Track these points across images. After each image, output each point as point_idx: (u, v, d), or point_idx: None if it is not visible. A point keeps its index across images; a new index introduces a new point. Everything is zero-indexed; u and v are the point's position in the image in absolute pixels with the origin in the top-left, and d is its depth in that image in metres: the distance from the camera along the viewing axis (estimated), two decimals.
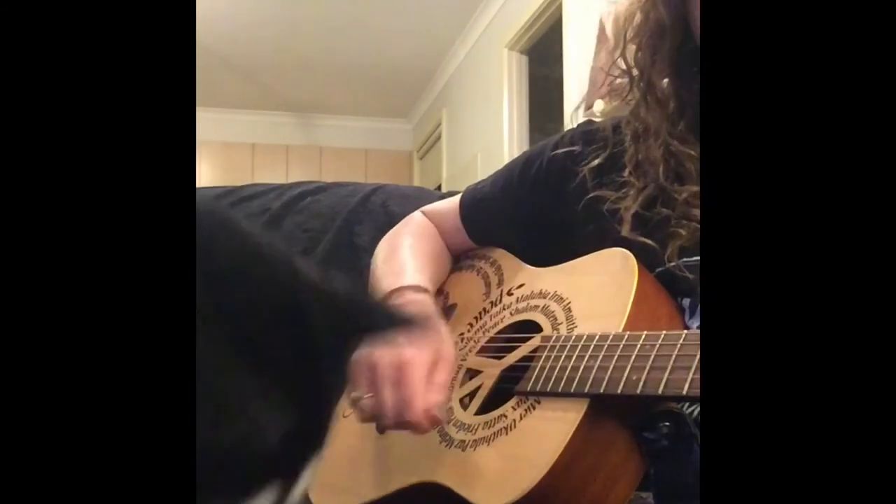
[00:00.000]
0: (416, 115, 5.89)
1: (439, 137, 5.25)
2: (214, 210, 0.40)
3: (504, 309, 0.86)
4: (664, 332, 0.65)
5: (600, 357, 0.67)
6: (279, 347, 0.38)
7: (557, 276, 0.83)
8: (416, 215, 1.03)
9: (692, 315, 0.73)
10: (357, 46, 4.72)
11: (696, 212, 0.74)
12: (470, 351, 0.86)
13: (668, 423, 0.66)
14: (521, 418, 0.72)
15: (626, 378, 0.64)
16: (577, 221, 0.85)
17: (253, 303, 0.38)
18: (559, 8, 3.29)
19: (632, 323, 0.69)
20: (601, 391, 0.66)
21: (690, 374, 0.60)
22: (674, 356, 0.62)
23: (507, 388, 0.76)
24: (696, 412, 0.66)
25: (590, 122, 0.94)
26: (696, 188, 0.76)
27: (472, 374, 0.83)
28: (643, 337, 0.65)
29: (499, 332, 0.84)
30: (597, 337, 0.69)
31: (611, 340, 0.68)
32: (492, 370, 0.80)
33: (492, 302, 0.89)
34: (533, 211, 0.92)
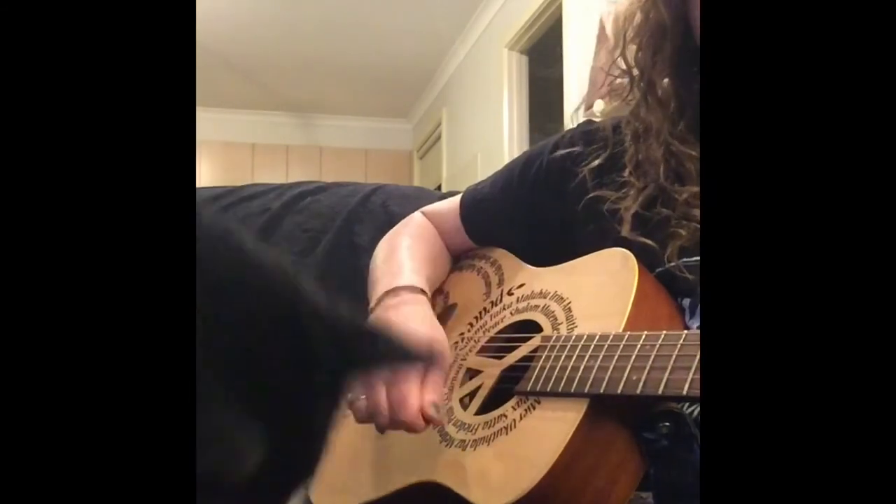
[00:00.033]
0: (416, 115, 5.89)
1: (439, 137, 5.25)
2: (219, 225, 0.40)
3: (504, 309, 0.86)
4: (664, 332, 0.65)
5: (600, 357, 0.67)
6: (270, 371, 0.38)
7: (558, 276, 0.83)
8: (416, 216, 1.03)
9: (692, 315, 0.73)
10: (357, 46, 4.72)
11: (696, 212, 0.74)
12: (470, 351, 0.86)
13: (668, 424, 0.66)
14: (521, 418, 0.72)
15: (626, 378, 0.64)
16: (578, 221, 0.85)
17: (248, 321, 0.37)
18: (559, 8, 3.29)
19: (632, 323, 0.69)
20: (601, 391, 0.66)
21: (690, 375, 0.60)
22: (674, 356, 0.62)
23: (507, 388, 0.76)
24: (695, 412, 0.66)
25: (590, 122, 0.94)
26: (696, 188, 0.76)
27: (473, 373, 0.83)
28: (643, 337, 0.65)
29: (499, 332, 0.84)
30: (597, 337, 0.69)
31: (611, 340, 0.68)
32: (492, 370, 0.80)
33: (492, 302, 0.89)
34: (533, 211, 0.92)
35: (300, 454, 0.40)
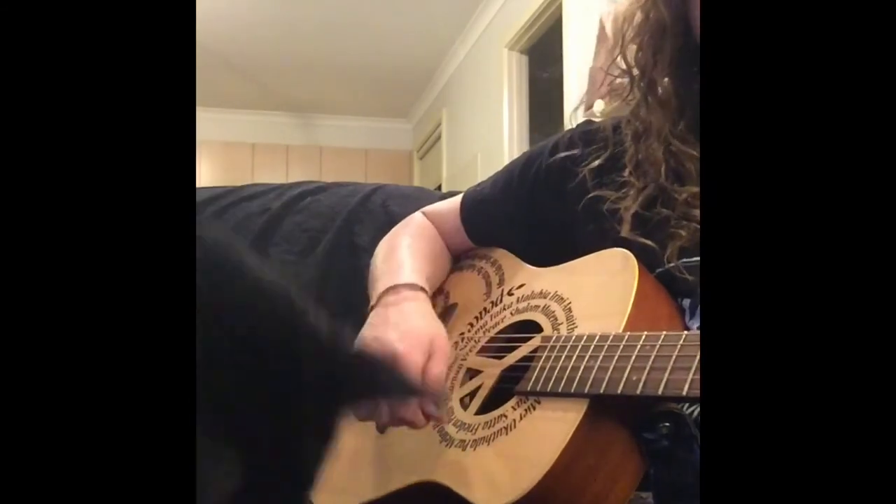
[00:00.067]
0: (416, 115, 5.89)
1: (439, 137, 5.25)
2: (219, 242, 0.39)
3: (504, 309, 0.86)
4: (664, 332, 0.65)
5: (600, 357, 0.67)
6: (259, 397, 0.37)
7: (558, 276, 0.83)
8: (417, 216, 1.03)
9: (692, 316, 0.73)
10: (357, 46, 4.72)
11: (696, 212, 0.74)
12: (470, 351, 0.86)
13: (667, 424, 0.66)
14: (521, 418, 0.72)
15: (626, 378, 0.64)
16: (578, 221, 0.85)
17: (242, 348, 0.37)
18: (559, 8, 3.29)
19: (632, 323, 0.69)
20: (601, 391, 0.66)
21: (690, 375, 0.60)
22: (674, 357, 0.62)
23: (507, 388, 0.76)
24: (695, 413, 0.66)
25: (590, 122, 0.94)
26: (696, 188, 0.76)
27: (473, 373, 0.83)
28: (643, 337, 0.65)
29: (499, 332, 0.84)
30: (597, 337, 0.69)
31: (611, 341, 0.68)
32: (492, 370, 0.80)
33: (492, 302, 0.89)
34: (533, 211, 0.92)
35: (285, 485, 0.39)
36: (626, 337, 0.67)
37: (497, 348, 0.83)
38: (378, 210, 1.31)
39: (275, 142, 5.93)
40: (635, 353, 0.65)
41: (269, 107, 5.76)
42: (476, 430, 0.76)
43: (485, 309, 0.89)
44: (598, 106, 2.25)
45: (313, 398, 0.38)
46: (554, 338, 0.75)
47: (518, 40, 3.83)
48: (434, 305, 0.91)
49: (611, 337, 0.68)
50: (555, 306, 0.79)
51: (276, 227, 1.32)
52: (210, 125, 5.39)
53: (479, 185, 1.00)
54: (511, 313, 0.85)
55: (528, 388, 0.73)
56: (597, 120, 0.96)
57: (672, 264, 0.74)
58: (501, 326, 0.85)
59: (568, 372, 0.69)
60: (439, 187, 4.85)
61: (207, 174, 5.57)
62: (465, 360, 0.85)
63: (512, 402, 0.74)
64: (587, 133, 0.90)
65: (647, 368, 0.63)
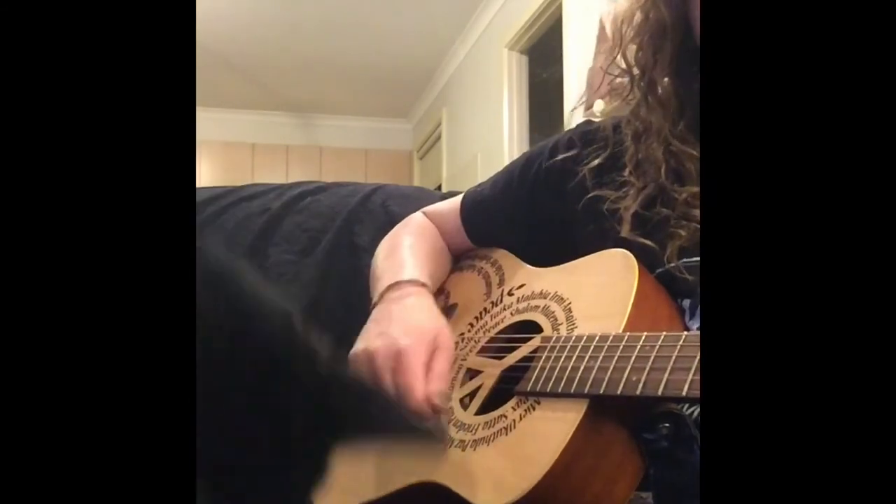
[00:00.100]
0: (416, 115, 5.89)
1: (439, 137, 5.25)
2: (226, 270, 0.39)
3: (505, 309, 0.86)
4: (664, 333, 0.65)
5: (600, 358, 0.67)
6: (251, 425, 0.36)
7: (558, 277, 0.83)
8: (417, 216, 1.03)
9: (692, 316, 0.73)
10: (357, 46, 4.72)
11: (696, 212, 0.74)
12: (470, 351, 0.86)
13: (667, 425, 0.66)
14: (520, 418, 0.72)
15: (626, 379, 0.64)
16: (577, 221, 0.85)
17: (237, 371, 0.36)
18: (559, 8, 3.29)
19: (632, 324, 0.69)
20: (601, 392, 0.66)
21: (690, 376, 0.60)
22: (673, 357, 0.62)
23: (507, 389, 0.76)
24: (695, 413, 0.66)
25: (590, 122, 0.94)
26: (696, 188, 0.76)
27: (473, 374, 0.83)
28: (643, 338, 0.65)
29: (499, 332, 0.84)
30: (597, 337, 0.69)
31: (611, 341, 0.68)
32: (492, 370, 0.80)
33: (492, 302, 0.89)
34: (533, 211, 0.92)
35: None
36: (626, 337, 0.67)
37: (497, 348, 0.83)
38: (378, 210, 1.31)
39: (275, 142, 5.93)
40: (635, 353, 0.65)
41: (269, 107, 5.76)
42: (476, 430, 0.76)
43: (485, 309, 0.89)
44: (598, 106, 2.25)
45: (306, 428, 0.38)
46: (554, 338, 0.75)
47: (518, 40, 3.83)
48: None
49: (611, 337, 0.68)
50: (555, 306, 0.79)
51: (276, 227, 1.32)
52: (210, 125, 5.40)
53: (479, 185, 1.00)
54: (511, 313, 0.85)
55: (528, 389, 0.73)
56: (597, 120, 0.96)
57: (672, 264, 0.74)
58: (501, 327, 0.85)
59: (568, 372, 0.69)
60: (439, 187, 4.85)
61: (207, 174, 5.58)
62: (464, 360, 0.85)
63: (512, 402, 0.74)
64: (587, 133, 0.90)
65: (647, 369, 0.63)
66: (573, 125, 0.96)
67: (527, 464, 0.67)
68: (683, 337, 0.63)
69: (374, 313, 0.84)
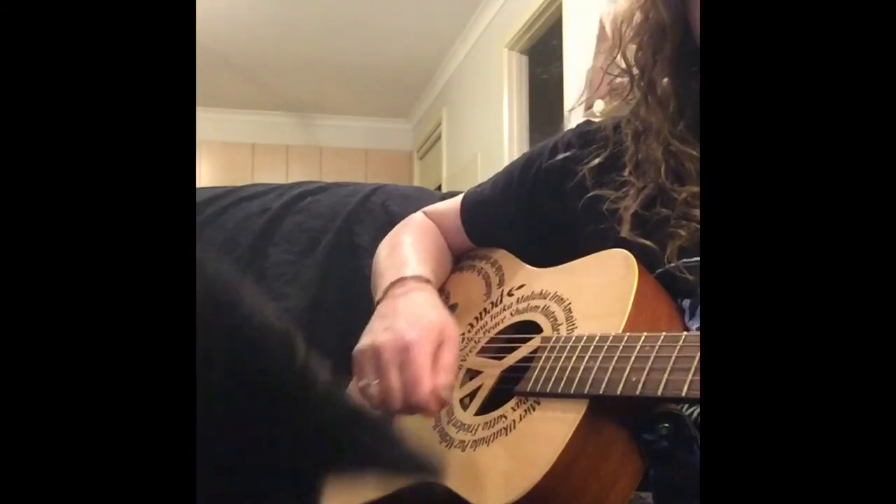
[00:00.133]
0: (416, 115, 5.89)
1: (439, 137, 5.25)
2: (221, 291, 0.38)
3: (504, 309, 0.86)
4: (664, 333, 0.65)
5: (600, 358, 0.67)
6: (244, 449, 0.35)
7: (558, 277, 0.83)
8: (417, 216, 1.03)
9: (692, 316, 0.73)
10: (357, 46, 4.72)
11: (696, 212, 0.74)
12: (470, 351, 0.86)
13: (667, 425, 0.66)
14: (520, 419, 0.72)
15: (626, 379, 0.64)
16: (577, 222, 0.85)
17: (231, 396, 0.36)
18: (559, 8, 3.29)
19: (632, 324, 0.69)
20: (601, 392, 0.66)
21: (690, 376, 0.60)
22: (673, 357, 0.62)
23: (507, 389, 0.76)
24: (695, 414, 0.66)
25: (589, 122, 0.94)
26: (696, 188, 0.76)
27: (473, 374, 0.83)
28: (643, 338, 0.65)
29: (499, 333, 0.84)
30: (597, 338, 0.69)
31: (610, 341, 0.68)
32: (492, 370, 0.80)
33: (492, 302, 0.89)
34: (533, 211, 0.92)
35: None
36: (626, 337, 0.67)
37: (497, 349, 0.83)
38: (378, 210, 1.31)
39: (275, 142, 5.94)
40: (635, 353, 0.65)
41: (269, 107, 5.76)
42: (476, 430, 0.76)
43: (485, 309, 0.89)
44: (598, 106, 2.26)
45: (297, 454, 0.37)
46: (554, 338, 0.75)
47: (518, 40, 3.83)
48: None
49: (610, 337, 0.68)
50: (554, 307, 0.79)
51: (276, 228, 1.32)
52: (210, 125, 5.40)
53: (479, 185, 1.00)
54: (511, 314, 0.85)
55: (528, 389, 0.73)
56: (596, 120, 0.96)
57: (672, 264, 0.74)
58: (501, 327, 0.85)
59: (567, 372, 0.69)
60: (439, 187, 4.85)
61: (207, 174, 5.58)
62: (464, 360, 0.85)
63: (512, 402, 0.74)
64: (587, 133, 0.90)
65: (647, 369, 0.63)
66: (573, 125, 0.96)
67: (527, 464, 0.67)
68: (683, 337, 0.63)
69: (379, 309, 0.84)
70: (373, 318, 0.83)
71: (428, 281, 0.88)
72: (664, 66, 0.82)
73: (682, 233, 0.74)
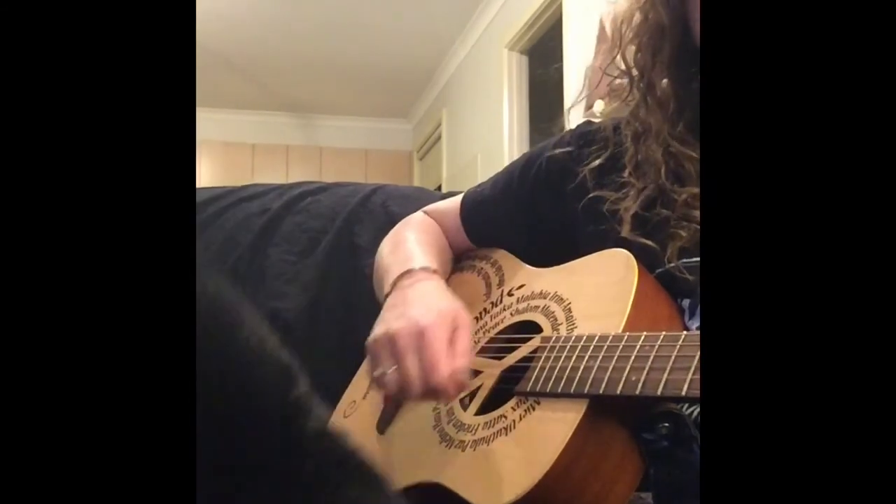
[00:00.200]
0: (416, 115, 5.89)
1: (439, 137, 5.25)
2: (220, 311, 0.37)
3: (504, 309, 0.86)
4: (663, 332, 0.65)
5: (600, 357, 0.67)
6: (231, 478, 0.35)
7: (558, 277, 0.83)
8: (418, 215, 1.03)
9: (692, 316, 0.73)
10: (357, 46, 4.72)
11: (696, 213, 0.74)
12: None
13: (667, 424, 0.66)
14: (520, 419, 0.72)
15: (626, 379, 0.64)
16: (577, 222, 0.85)
17: (226, 422, 0.35)
18: (559, 8, 3.29)
19: (631, 324, 0.69)
20: (600, 392, 0.66)
21: (689, 375, 0.60)
22: (673, 357, 0.62)
23: (507, 389, 0.76)
24: (695, 413, 0.66)
25: (589, 122, 0.94)
26: (696, 189, 0.76)
27: (473, 374, 0.83)
28: (642, 338, 0.65)
29: (499, 333, 0.84)
30: (596, 337, 0.69)
31: (610, 341, 0.68)
32: (492, 370, 0.80)
33: (492, 302, 0.89)
34: (533, 211, 0.92)
35: None
36: (626, 337, 0.67)
37: (497, 349, 0.83)
38: (378, 210, 1.31)
39: (275, 142, 5.94)
40: (634, 353, 0.65)
41: (269, 107, 5.76)
42: (476, 430, 0.76)
43: (485, 309, 0.89)
44: (598, 106, 2.26)
45: (279, 489, 0.36)
46: (553, 338, 0.75)
47: (518, 40, 3.83)
48: None
49: (610, 337, 0.68)
50: (554, 307, 0.79)
51: (276, 228, 1.32)
52: (210, 125, 5.40)
53: (479, 185, 1.00)
54: (511, 314, 0.85)
55: (528, 389, 0.73)
56: (596, 120, 0.96)
57: (672, 264, 0.74)
58: (501, 327, 0.85)
59: (567, 372, 0.69)
60: (439, 187, 4.85)
61: (207, 174, 5.58)
62: None
63: (511, 402, 0.74)
64: (587, 133, 0.90)
65: (647, 369, 0.63)
66: (572, 124, 0.96)
67: (526, 464, 0.67)
68: (683, 337, 0.63)
69: (389, 300, 0.84)
70: (383, 309, 0.82)
71: (435, 272, 0.88)
72: (663, 67, 0.82)
73: (683, 234, 0.74)
